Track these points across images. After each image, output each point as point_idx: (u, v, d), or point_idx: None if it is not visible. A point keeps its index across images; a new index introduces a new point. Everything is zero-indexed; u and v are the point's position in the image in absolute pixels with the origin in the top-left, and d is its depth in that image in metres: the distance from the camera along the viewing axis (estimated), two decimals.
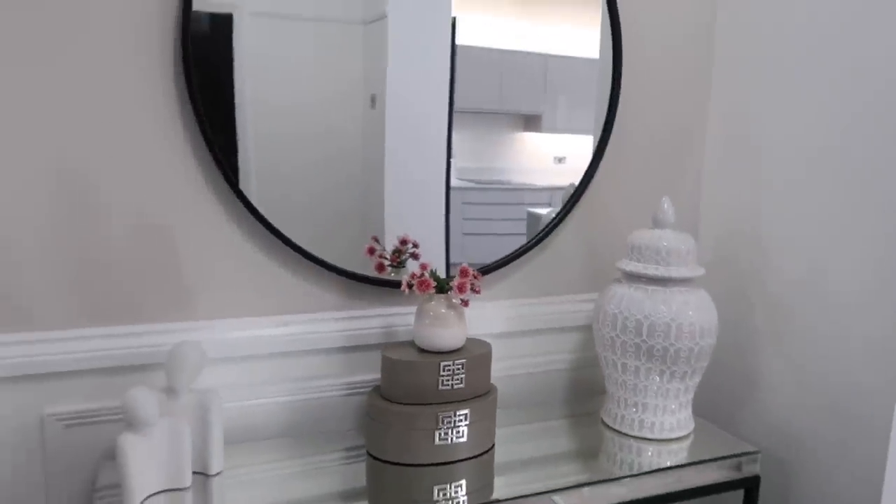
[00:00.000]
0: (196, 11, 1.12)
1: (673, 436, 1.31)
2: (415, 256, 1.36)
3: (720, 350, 1.33)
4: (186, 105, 1.14)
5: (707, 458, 1.25)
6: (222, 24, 1.16)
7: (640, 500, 1.19)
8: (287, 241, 1.23)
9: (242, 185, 1.19)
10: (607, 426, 1.36)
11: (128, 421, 1.01)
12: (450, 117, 1.35)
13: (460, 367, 1.18)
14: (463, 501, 1.10)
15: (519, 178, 1.48)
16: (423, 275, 1.19)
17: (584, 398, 1.52)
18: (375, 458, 1.19)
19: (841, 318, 1.27)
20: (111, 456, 1.15)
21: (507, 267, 1.42)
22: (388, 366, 1.19)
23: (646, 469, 1.21)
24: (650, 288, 1.27)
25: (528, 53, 1.42)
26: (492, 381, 1.27)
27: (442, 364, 1.17)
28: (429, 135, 1.36)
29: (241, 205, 1.19)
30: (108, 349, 1.13)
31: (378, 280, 1.32)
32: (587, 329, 1.49)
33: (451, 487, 1.14)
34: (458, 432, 1.18)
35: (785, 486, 1.38)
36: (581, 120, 1.50)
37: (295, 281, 1.26)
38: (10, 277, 1.09)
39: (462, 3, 1.34)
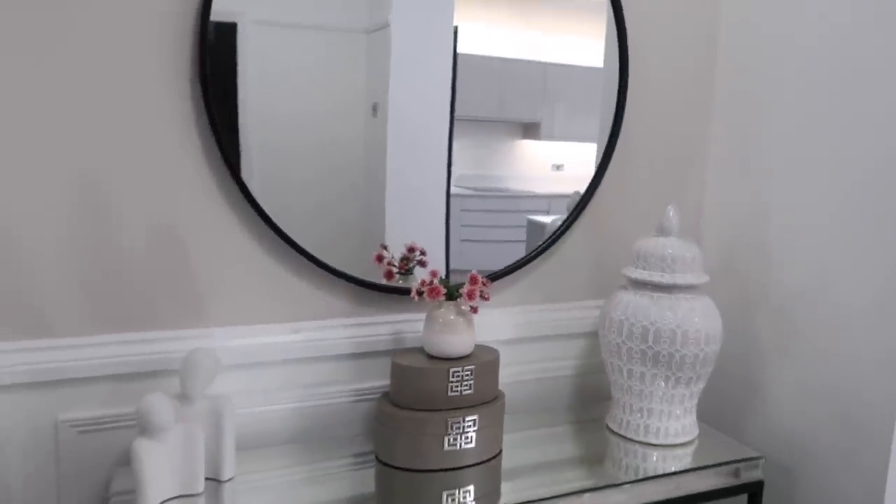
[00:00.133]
0: None
1: (678, 441, 1.32)
2: (422, 264, 1.38)
3: (724, 357, 1.35)
4: (202, 115, 1.15)
5: (711, 463, 1.27)
6: (226, 33, 1.17)
7: None
8: (299, 249, 1.24)
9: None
10: (613, 432, 1.37)
11: (143, 426, 1.02)
12: (451, 125, 1.36)
13: (469, 373, 1.20)
14: None
15: (517, 186, 1.49)
16: (432, 282, 1.21)
17: (589, 404, 1.54)
18: (385, 464, 1.21)
19: (844, 327, 1.29)
20: (124, 462, 1.16)
21: (513, 274, 1.43)
22: (398, 372, 1.20)
23: (650, 474, 1.23)
24: (656, 295, 1.28)
25: (528, 62, 1.43)
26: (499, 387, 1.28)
27: (451, 370, 1.18)
28: (430, 143, 1.37)
29: (253, 212, 1.20)
30: (121, 356, 1.14)
31: (386, 287, 1.33)
32: (592, 335, 1.51)
33: (459, 493, 1.15)
34: (467, 438, 1.19)
35: (788, 493, 1.39)
36: (579, 128, 1.52)
37: (305, 288, 1.28)
38: (27, 285, 1.10)
39: (463, 12, 1.35)
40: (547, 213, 1.51)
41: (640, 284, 1.31)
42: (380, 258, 1.34)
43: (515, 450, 1.29)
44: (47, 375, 1.11)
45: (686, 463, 1.27)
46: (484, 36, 1.38)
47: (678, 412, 1.31)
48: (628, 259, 1.36)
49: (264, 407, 1.26)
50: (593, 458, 1.32)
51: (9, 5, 1.03)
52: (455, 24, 1.35)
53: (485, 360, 1.22)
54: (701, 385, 1.32)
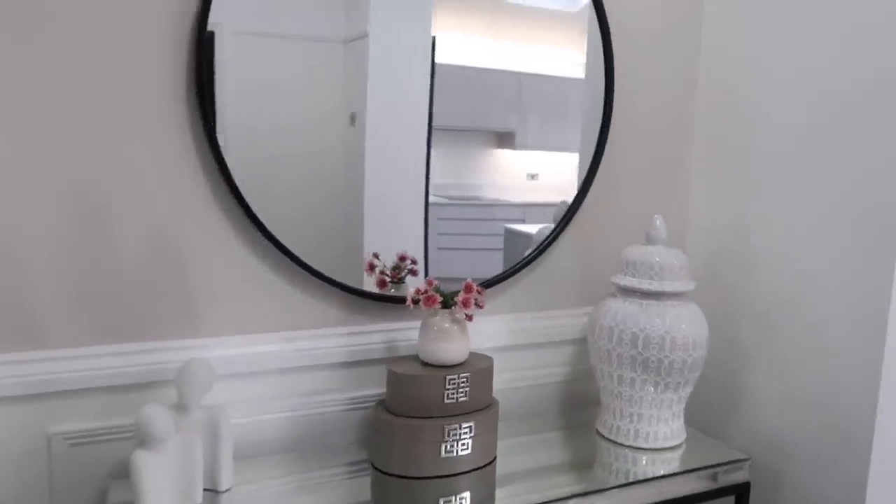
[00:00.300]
0: None
1: (667, 445, 1.35)
2: (413, 273, 1.40)
3: (708, 363, 1.38)
4: (197, 123, 1.15)
5: (700, 465, 1.30)
6: (206, 43, 1.16)
7: None
8: (293, 257, 1.24)
9: None
10: (602, 436, 1.40)
11: (142, 437, 1.01)
12: (429, 135, 1.38)
13: (465, 380, 1.21)
14: None
15: (492, 195, 1.51)
16: (427, 290, 1.22)
17: (577, 410, 1.56)
18: (380, 472, 1.21)
19: (824, 335, 1.33)
20: (118, 474, 1.15)
21: (503, 283, 1.45)
22: (394, 380, 1.21)
23: (641, 478, 1.26)
24: (644, 302, 1.32)
25: (503, 72, 1.45)
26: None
27: (447, 377, 1.20)
28: (408, 152, 1.38)
29: (248, 221, 1.20)
30: (115, 367, 1.14)
31: (379, 296, 1.34)
32: (580, 342, 1.53)
33: (455, 499, 1.16)
34: (464, 445, 1.20)
35: (773, 493, 1.43)
36: (554, 137, 1.54)
37: (299, 297, 1.28)
38: (19, 295, 1.08)
39: (441, 22, 1.37)
40: (522, 221, 1.53)
41: (628, 292, 1.34)
42: (371, 267, 1.35)
43: (509, 456, 1.31)
44: (40, 387, 1.09)
45: (675, 466, 1.30)
46: (460, 46, 1.40)
47: (667, 416, 1.34)
48: (613, 268, 1.40)
49: (259, 416, 1.26)
50: (585, 463, 1.34)
51: (5, 17, 1.02)
52: (433, 34, 1.36)
53: (480, 368, 1.24)
54: (688, 390, 1.35)
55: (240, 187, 1.18)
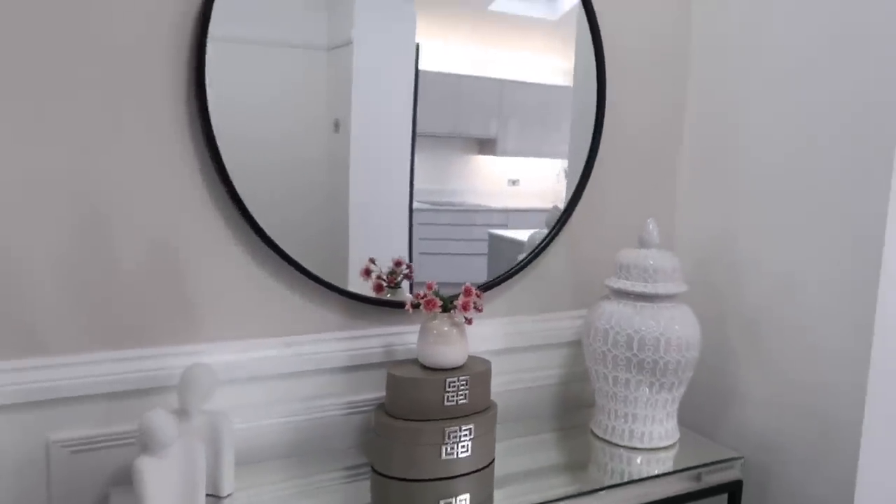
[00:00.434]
0: None
1: (661, 445, 1.37)
2: (408, 277, 1.41)
3: (699, 365, 1.41)
4: (197, 130, 1.16)
5: (694, 464, 1.32)
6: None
7: None
8: (291, 262, 1.25)
9: None
10: (598, 437, 1.42)
11: (144, 443, 1.01)
12: (413, 141, 1.39)
13: (464, 383, 1.22)
14: None
15: (473, 200, 1.52)
16: (426, 295, 1.23)
17: (572, 411, 1.58)
18: (381, 475, 1.22)
19: (810, 332, 1.36)
20: (118, 481, 1.15)
21: (498, 287, 1.47)
22: (394, 383, 1.22)
23: (636, 477, 1.28)
24: (639, 304, 1.34)
25: (484, 78, 1.47)
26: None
27: (448, 380, 1.21)
28: (392, 158, 1.39)
29: (247, 226, 1.20)
30: (115, 373, 1.13)
31: (377, 300, 1.35)
32: (574, 345, 1.55)
33: (455, 501, 1.17)
34: (464, 447, 1.22)
35: (764, 491, 1.46)
36: (535, 144, 1.56)
37: (298, 302, 1.29)
38: (19, 302, 1.08)
39: (424, 29, 1.38)
40: (505, 226, 1.55)
41: (622, 294, 1.36)
42: (367, 272, 1.36)
43: (506, 458, 1.32)
44: (40, 395, 1.09)
45: (670, 465, 1.33)
46: (443, 53, 1.41)
47: (661, 416, 1.37)
48: (605, 272, 1.42)
49: (259, 421, 1.26)
50: (581, 463, 1.36)
51: (6, 25, 1.02)
52: (417, 41, 1.37)
53: (479, 371, 1.25)
54: (682, 390, 1.37)
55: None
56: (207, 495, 1.10)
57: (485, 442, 1.26)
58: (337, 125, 1.31)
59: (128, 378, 1.14)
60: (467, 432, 1.22)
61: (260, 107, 1.24)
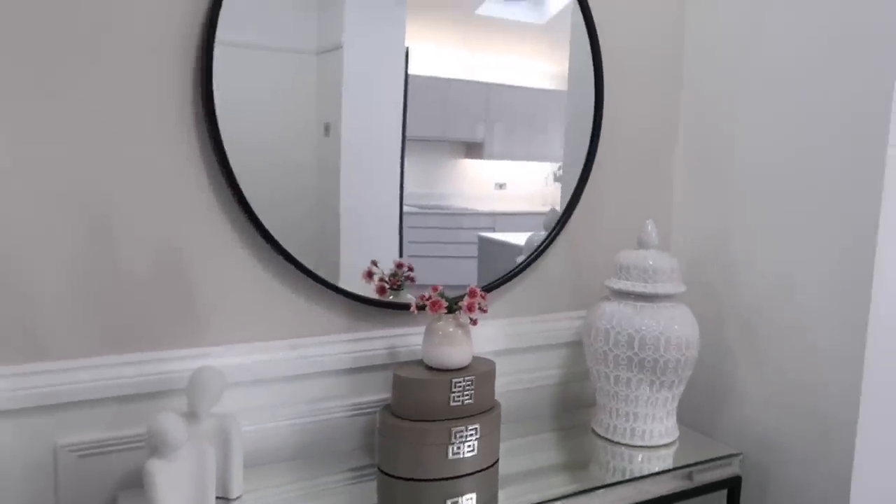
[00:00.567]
0: None
1: (662, 442, 1.40)
2: (410, 279, 1.42)
3: (697, 364, 1.43)
4: (203, 133, 1.16)
5: (694, 461, 1.35)
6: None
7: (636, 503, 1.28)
8: (297, 264, 1.26)
9: None
10: (599, 436, 1.43)
11: (154, 446, 1.01)
12: (402, 145, 1.39)
13: (470, 383, 1.24)
14: None
15: (461, 204, 1.54)
16: (431, 296, 1.25)
17: (572, 411, 1.60)
18: (387, 475, 1.23)
19: (806, 331, 1.39)
20: (127, 485, 1.15)
21: (499, 288, 1.48)
22: (400, 384, 1.23)
23: (638, 475, 1.30)
24: (638, 304, 1.36)
25: (471, 82, 1.48)
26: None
27: (454, 381, 1.22)
28: (382, 162, 1.40)
29: (253, 228, 1.21)
30: (123, 377, 1.13)
31: (381, 302, 1.36)
32: (575, 345, 1.57)
33: (462, 501, 1.18)
34: (470, 447, 1.23)
35: (762, 487, 1.48)
36: (522, 148, 1.57)
37: (303, 304, 1.29)
38: (26, 308, 1.08)
39: (414, 33, 1.39)
40: (493, 230, 1.56)
41: (622, 294, 1.38)
42: (370, 274, 1.37)
43: (510, 457, 1.33)
44: (48, 399, 1.08)
45: (670, 462, 1.35)
46: (432, 57, 1.41)
47: (661, 415, 1.39)
48: (604, 273, 1.44)
49: (265, 424, 1.26)
50: (583, 462, 1.38)
51: (14, 29, 1.02)
52: (406, 45, 1.38)
53: (484, 371, 1.27)
54: (682, 388, 1.40)
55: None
56: (217, 498, 1.10)
57: (490, 441, 1.27)
58: (327, 129, 1.32)
59: (136, 382, 1.14)
60: (473, 432, 1.23)
61: (252, 111, 1.24)
